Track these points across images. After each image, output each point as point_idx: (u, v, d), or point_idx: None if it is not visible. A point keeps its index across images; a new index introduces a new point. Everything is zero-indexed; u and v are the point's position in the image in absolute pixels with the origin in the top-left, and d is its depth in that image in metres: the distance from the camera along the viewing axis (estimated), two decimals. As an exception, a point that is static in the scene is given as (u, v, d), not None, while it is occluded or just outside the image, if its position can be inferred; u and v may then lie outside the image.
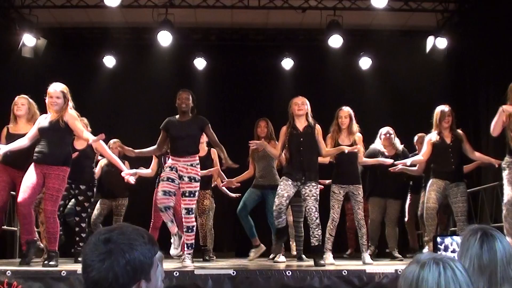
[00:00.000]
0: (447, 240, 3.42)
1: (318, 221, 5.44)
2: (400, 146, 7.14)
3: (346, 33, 9.03)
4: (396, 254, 7.01)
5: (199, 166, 5.34)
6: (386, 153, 6.96)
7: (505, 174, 5.20)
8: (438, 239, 3.51)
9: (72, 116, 5.21)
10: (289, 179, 5.54)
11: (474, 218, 7.50)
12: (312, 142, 5.62)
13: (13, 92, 8.63)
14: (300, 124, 5.64)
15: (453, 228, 7.97)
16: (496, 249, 2.02)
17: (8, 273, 4.41)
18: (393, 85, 9.86)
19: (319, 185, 5.67)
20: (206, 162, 6.67)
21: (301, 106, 5.63)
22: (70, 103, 5.27)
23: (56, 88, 5.20)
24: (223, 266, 5.48)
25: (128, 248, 1.50)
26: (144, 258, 1.53)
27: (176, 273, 4.41)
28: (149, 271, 1.55)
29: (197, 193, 5.31)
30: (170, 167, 5.33)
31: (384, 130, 7.15)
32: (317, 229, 5.45)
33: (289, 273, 4.45)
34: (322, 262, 5.33)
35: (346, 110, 6.13)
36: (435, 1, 8.99)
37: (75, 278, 4.33)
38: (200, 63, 10.05)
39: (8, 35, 9.11)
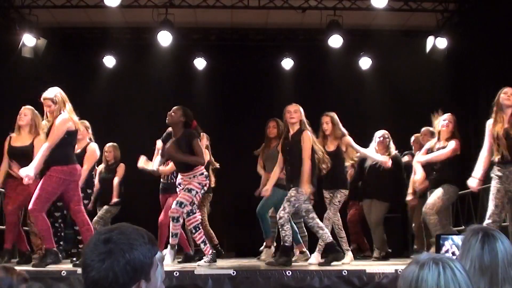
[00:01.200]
0: (447, 243, 3.41)
1: (282, 221, 5.35)
2: (394, 151, 7.09)
3: (346, 33, 9.03)
4: (376, 254, 6.86)
5: (203, 176, 5.41)
6: None
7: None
8: (440, 240, 3.50)
9: (58, 120, 5.12)
10: (286, 190, 5.57)
11: (474, 218, 7.49)
12: (298, 150, 5.48)
13: (13, 93, 8.67)
14: (293, 132, 5.58)
15: (456, 228, 7.97)
16: (497, 250, 2.01)
17: (8, 273, 4.41)
18: (393, 85, 9.85)
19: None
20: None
21: (293, 114, 5.53)
22: (68, 105, 5.20)
23: (46, 95, 5.17)
24: (223, 266, 5.48)
25: (128, 248, 1.50)
26: (144, 258, 1.52)
27: (176, 273, 4.41)
28: (149, 271, 1.54)
29: (193, 192, 5.33)
30: (178, 183, 5.55)
31: (379, 133, 7.11)
32: (282, 231, 5.41)
33: (289, 273, 4.45)
34: (281, 260, 5.22)
35: (327, 115, 6.08)
36: (435, 1, 8.99)
37: (75, 278, 4.34)
38: (200, 63, 10.05)
39: (8, 35, 9.11)
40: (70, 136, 5.21)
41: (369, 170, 7.11)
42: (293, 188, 5.39)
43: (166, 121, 5.47)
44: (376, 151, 6.93)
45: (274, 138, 6.56)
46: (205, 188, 5.48)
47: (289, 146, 5.54)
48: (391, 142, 7.08)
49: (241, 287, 4.38)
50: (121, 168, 7.24)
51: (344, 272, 4.49)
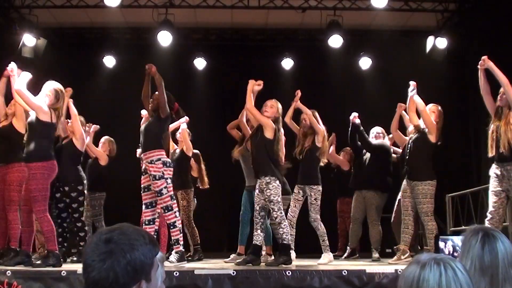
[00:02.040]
0: (449, 243, 3.42)
1: (278, 220, 5.41)
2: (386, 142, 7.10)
3: (346, 33, 9.03)
4: (375, 254, 6.76)
5: (160, 161, 5.32)
6: None
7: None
8: (440, 241, 3.51)
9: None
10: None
11: (474, 218, 7.49)
12: (259, 141, 5.55)
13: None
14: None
15: (453, 228, 7.98)
16: (497, 250, 2.01)
17: (8, 273, 4.41)
18: (393, 85, 9.84)
19: (274, 184, 5.47)
20: (182, 162, 6.67)
21: (268, 109, 5.62)
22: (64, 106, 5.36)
23: (52, 85, 5.30)
24: (223, 266, 5.48)
25: (129, 248, 1.50)
26: (145, 258, 1.52)
27: (176, 273, 4.41)
28: (150, 271, 1.54)
29: (164, 191, 5.27)
30: (143, 170, 5.46)
31: (374, 130, 7.16)
32: (279, 229, 5.47)
33: (289, 273, 4.45)
34: (281, 259, 5.29)
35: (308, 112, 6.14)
36: (435, 1, 8.99)
37: (75, 278, 4.34)
38: (200, 63, 10.05)
39: (8, 35, 9.12)
40: (47, 128, 5.21)
41: (358, 160, 7.11)
42: (265, 188, 5.40)
43: (151, 107, 5.55)
44: None
45: None
46: (165, 175, 5.32)
47: (255, 138, 5.60)
48: (387, 138, 7.09)
49: (241, 287, 4.38)
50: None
51: (344, 272, 4.50)
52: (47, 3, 8.85)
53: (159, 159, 5.32)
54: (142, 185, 5.46)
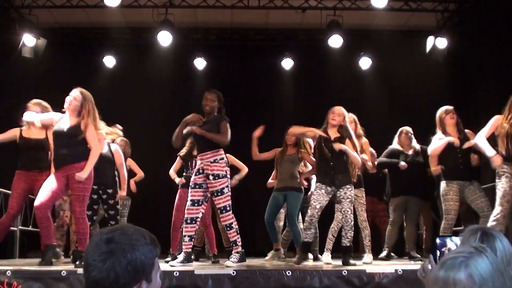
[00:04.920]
0: (449, 242, 3.40)
1: (352, 223, 5.51)
2: (417, 145, 6.97)
3: (346, 33, 9.04)
4: (415, 254, 6.78)
5: (224, 161, 5.26)
6: (405, 152, 6.90)
7: (499, 183, 5.17)
8: (438, 241, 3.49)
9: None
10: (322, 187, 5.54)
11: (474, 218, 7.47)
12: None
13: (13, 92, 8.67)
14: (332, 133, 5.67)
15: (455, 228, 7.96)
16: (496, 248, 2.02)
17: (8, 273, 4.41)
18: (393, 85, 9.86)
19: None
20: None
21: (335, 117, 5.64)
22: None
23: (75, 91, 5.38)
24: (223, 266, 5.47)
25: (130, 249, 1.51)
26: (146, 258, 1.53)
27: (176, 273, 4.41)
28: (150, 271, 1.55)
29: (225, 190, 5.21)
30: (197, 170, 5.34)
31: (404, 129, 7.07)
32: (350, 231, 5.52)
33: (289, 273, 4.45)
34: (351, 261, 5.39)
35: (351, 116, 6.18)
36: (435, 1, 9.00)
37: (75, 278, 4.33)
38: (200, 63, 10.05)
39: (8, 35, 9.12)
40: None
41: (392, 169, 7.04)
42: (349, 187, 5.55)
43: (206, 110, 5.40)
44: (402, 147, 6.91)
45: (292, 145, 6.56)
46: (229, 175, 5.32)
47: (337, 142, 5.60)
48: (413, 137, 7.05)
49: (241, 287, 4.38)
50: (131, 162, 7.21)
51: (344, 272, 4.49)
52: (47, 3, 8.85)
53: (223, 158, 5.27)
54: (193, 182, 5.32)
